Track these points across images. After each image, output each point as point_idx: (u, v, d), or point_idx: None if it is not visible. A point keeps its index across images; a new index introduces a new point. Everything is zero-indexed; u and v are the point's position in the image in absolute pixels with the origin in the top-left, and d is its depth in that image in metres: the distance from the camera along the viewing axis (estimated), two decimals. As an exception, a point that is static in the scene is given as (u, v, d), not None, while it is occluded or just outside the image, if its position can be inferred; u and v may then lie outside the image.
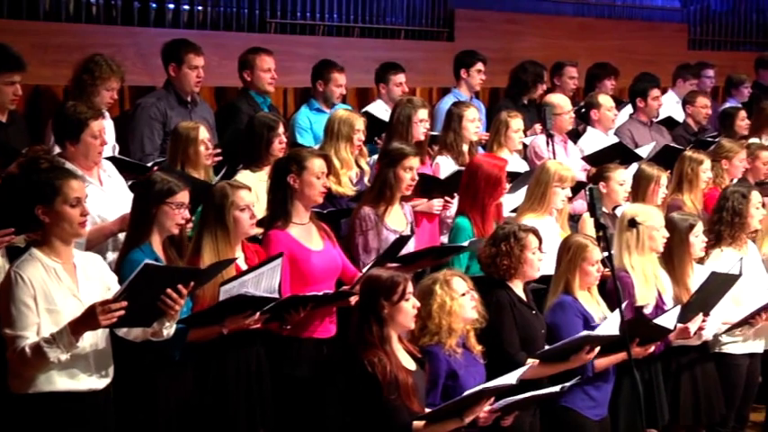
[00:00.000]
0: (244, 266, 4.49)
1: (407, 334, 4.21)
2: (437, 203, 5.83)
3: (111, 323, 3.68)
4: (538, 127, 7.32)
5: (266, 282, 4.30)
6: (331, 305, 4.78)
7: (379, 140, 6.49)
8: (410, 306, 4.09)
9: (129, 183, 5.48)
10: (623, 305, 4.60)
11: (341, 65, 7.15)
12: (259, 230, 4.76)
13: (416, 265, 4.96)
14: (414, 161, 5.27)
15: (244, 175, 5.45)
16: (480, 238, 5.17)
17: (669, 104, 8.87)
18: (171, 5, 7.30)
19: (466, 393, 4.04)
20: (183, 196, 4.35)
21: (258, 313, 4.32)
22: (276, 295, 4.33)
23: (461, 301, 4.32)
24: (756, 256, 5.78)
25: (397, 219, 5.28)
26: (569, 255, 4.89)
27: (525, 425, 4.63)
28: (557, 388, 4.40)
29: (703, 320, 5.16)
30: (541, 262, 4.83)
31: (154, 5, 7.22)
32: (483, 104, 8.18)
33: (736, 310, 5.46)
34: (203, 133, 5.44)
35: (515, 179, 5.96)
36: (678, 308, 5.01)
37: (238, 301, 4.21)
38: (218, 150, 5.78)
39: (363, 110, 7.05)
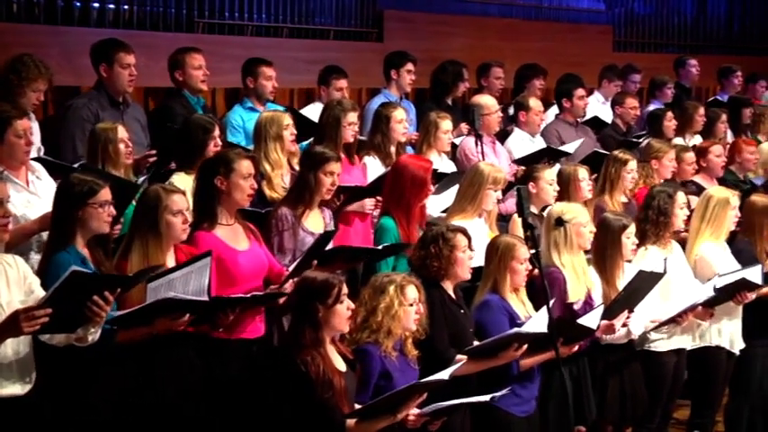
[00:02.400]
0: (176, 269, 4.43)
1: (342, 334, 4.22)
2: (369, 203, 5.85)
3: (34, 330, 3.60)
4: (464, 127, 7.37)
5: (195, 282, 4.23)
6: (260, 306, 4.76)
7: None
8: (344, 308, 4.09)
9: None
10: (552, 302, 4.67)
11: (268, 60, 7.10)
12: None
13: (332, 266, 4.90)
14: (335, 166, 5.25)
15: (179, 177, 5.38)
16: (404, 242, 5.18)
17: (595, 105, 9.03)
18: (96, 4, 7.18)
19: (397, 389, 4.06)
20: (105, 194, 4.24)
21: (187, 315, 4.26)
22: (205, 297, 4.27)
23: (408, 309, 4.35)
24: (681, 256, 5.88)
25: (315, 221, 5.24)
26: (498, 254, 4.94)
27: (456, 424, 4.66)
28: (487, 397, 4.43)
29: (627, 317, 5.25)
30: (472, 261, 4.86)
31: (78, 4, 7.09)
32: (412, 105, 8.22)
33: (663, 307, 5.56)
34: (122, 132, 5.35)
35: (442, 180, 5.99)
36: (601, 308, 5.10)
37: (166, 304, 4.15)
38: (153, 152, 5.71)
39: (294, 109, 7.01)
